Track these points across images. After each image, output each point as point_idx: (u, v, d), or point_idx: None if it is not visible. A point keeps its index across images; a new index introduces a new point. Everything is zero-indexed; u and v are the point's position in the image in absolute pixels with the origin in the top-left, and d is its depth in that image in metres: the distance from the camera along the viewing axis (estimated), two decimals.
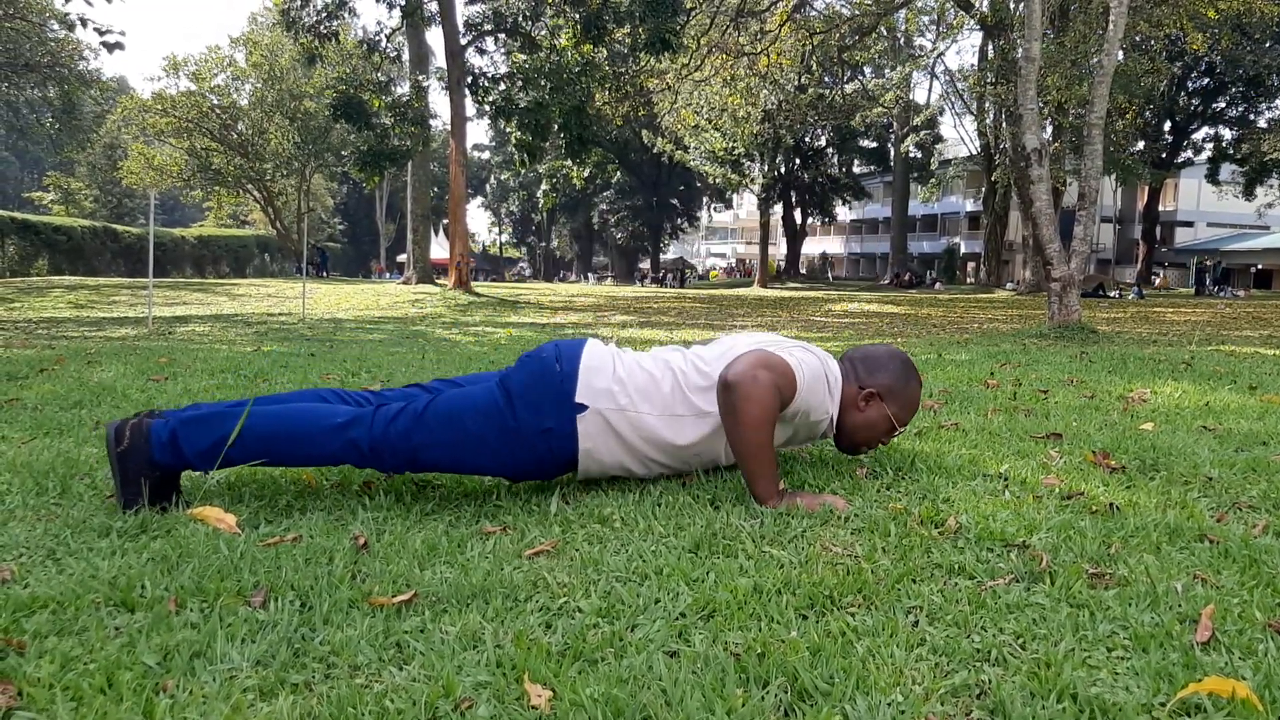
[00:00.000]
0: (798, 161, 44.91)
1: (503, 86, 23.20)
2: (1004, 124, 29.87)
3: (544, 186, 52.56)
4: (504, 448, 2.27)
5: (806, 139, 44.24)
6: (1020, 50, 11.25)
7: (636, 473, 2.41)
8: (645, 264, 64.48)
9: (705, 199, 62.32)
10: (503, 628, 1.53)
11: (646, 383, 2.33)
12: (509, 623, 1.56)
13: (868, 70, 39.53)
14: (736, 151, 37.22)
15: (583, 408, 2.27)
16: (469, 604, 1.63)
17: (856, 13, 27.50)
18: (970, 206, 53.92)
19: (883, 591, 1.67)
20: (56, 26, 27.36)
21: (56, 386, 4.38)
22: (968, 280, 48.47)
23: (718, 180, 40.39)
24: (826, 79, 35.81)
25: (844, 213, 59.67)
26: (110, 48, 13.56)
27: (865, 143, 47.39)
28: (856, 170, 50.36)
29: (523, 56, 22.92)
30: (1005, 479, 2.51)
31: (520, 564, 1.84)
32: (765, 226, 43.80)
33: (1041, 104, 14.60)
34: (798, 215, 49.47)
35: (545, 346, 2.39)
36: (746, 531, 2.01)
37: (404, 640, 1.48)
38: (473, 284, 24.99)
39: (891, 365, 2.51)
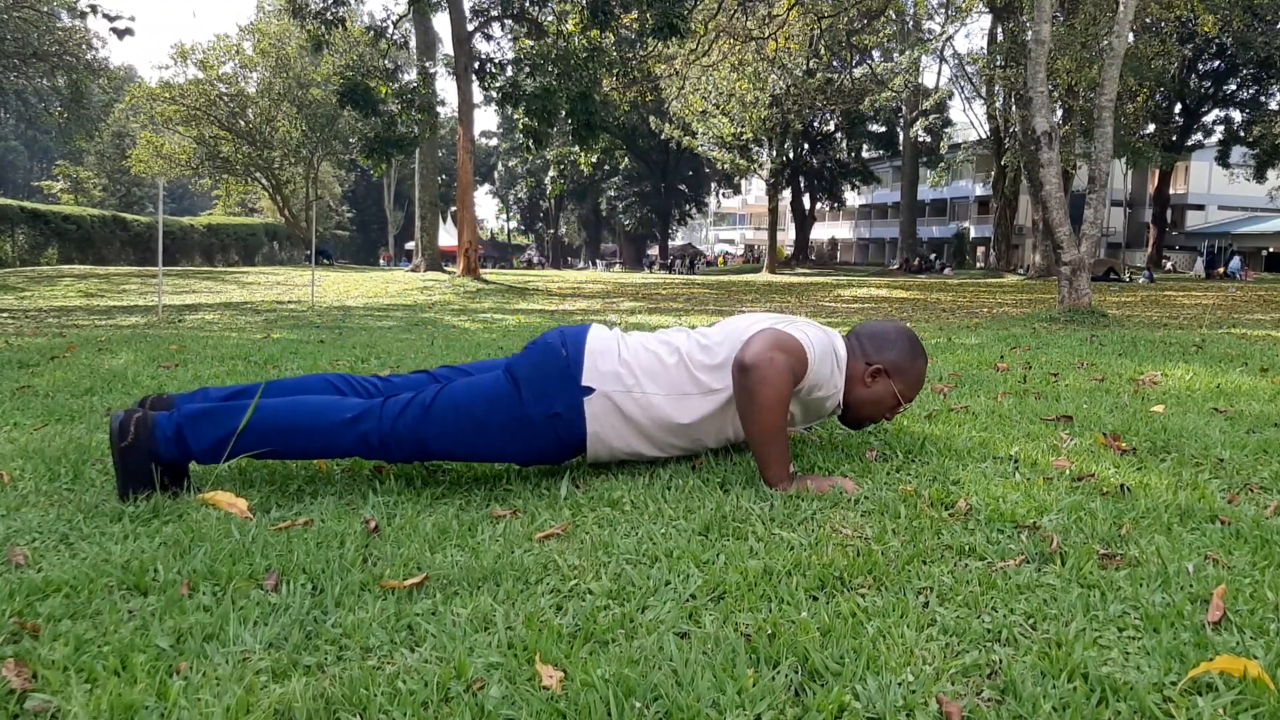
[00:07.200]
0: (806, 146, 44.77)
1: (510, 72, 23.17)
2: (1014, 107, 29.76)
3: (552, 173, 52.60)
4: (513, 434, 2.29)
5: (815, 124, 44.07)
6: (1030, 33, 11.19)
7: (646, 455, 2.41)
8: (654, 250, 64.38)
9: (713, 185, 62.18)
10: (514, 610, 1.54)
11: (652, 363, 2.33)
12: (520, 605, 1.56)
13: (876, 54, 39.32)
14: (745, 137, 37.11)
15: (589, 390, 2.28)
16: (480, 586, 1.64)
17: None
18: (980, 191, 53.67)
19: (893, 573, 1.67)
20: (65, 16, 27.38)
21: (68, 374, 4.40)
22: (977, 265, 48.30)
23: (726, 166, 40.29)
24: (835, 63, 35.66)
25: (853, 198, 59.52)
26: (120, 34, 13.57)
27: (874, 127, 47.18)
28: (865, 155, 50.13)
29: (530, 42, 22.88)
30: (1015, 461, 2.50)
31: (531, 547, 1.85)
32: (774, 212, 43.70)
33: (1051, 87, 14.50)
34: (806, 200, 49.35)
35: (550, 333, 2.40)
36: (756, 514, 2.01)
37: (415, 622, 1.49)
38: (481, 271, 25.00)
39: (900, 343, 2.51)
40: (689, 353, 2.35)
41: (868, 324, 2.59)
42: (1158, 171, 40.21)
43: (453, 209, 34.71)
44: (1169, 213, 45.01)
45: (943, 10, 34.73)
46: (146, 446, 2.19)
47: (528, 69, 22.25)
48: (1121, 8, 10.53)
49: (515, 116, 23.48)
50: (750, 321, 2.41)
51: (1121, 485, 2.22)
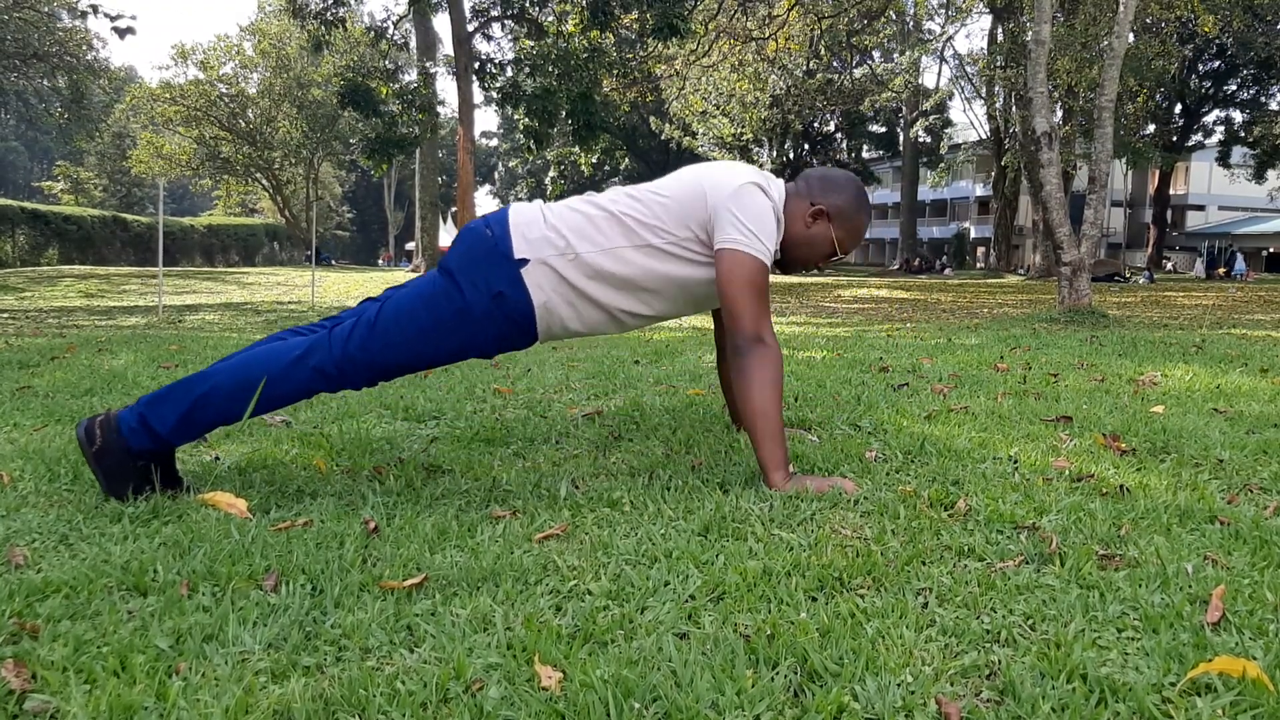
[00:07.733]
0: (806, 147, 44.77)
1: (510, 73, 23.19)
2: (1014, 108, 29.75)
3: (552, 173, 52.59)
4: (462, 328, 2.28)
5: (815, 124, 44.10)
6: (1030, 33, 11.19)
7: (600, 327, 2.41)
8: None
9: None
10: (513, 610, 1.54)
11: (579, 222, 2.32)
12: (519, 605, 1.56)
13: (876, 54, 39.38)
14: (745, 137, 37.17)
15: (525, 261, 2.27)
16: (479, 587, 1.64)
17: None
18: (980, 191, 53.68)
19: (892, 573, 1.67)
20: (65, 16, 27.39)
21: (68, 374, 4.39)
22: (977, 265, 48.30)
23: None
24: (835, 64, 35.70)
25: None
26: (121, 33, 13.50)
27: (874, 128, 47.24)
28: (865, 155, 50.13)
29: (530, 43, 22.89)
30: (1015, 462, 2.50)
31: (530, 548, 1.85)
32: None
33: (1051, 87, 14.52)
34: None
35: (473, 221, 2.40)
36: (756, 514, 2.01)
37: (415, 623, 1.49)
38: None
39: (847, 189, 2.45)
40: (620, 208, 2.34)
41: (820, 169, 2.55)
42: (1158, 172, 40.21)
43: (453, 209, 34.73)
44: (1169, 213, 45.01)
45: (943, 10, 34.74)
46: (117, 444, 2.17)
47: (528, 69, 22.27)
48: (1121, 8, 10.53)
49: (516, 117, 23.52)
50: (696, 181, 2.33)
51: (1121, 486, 2.22)
